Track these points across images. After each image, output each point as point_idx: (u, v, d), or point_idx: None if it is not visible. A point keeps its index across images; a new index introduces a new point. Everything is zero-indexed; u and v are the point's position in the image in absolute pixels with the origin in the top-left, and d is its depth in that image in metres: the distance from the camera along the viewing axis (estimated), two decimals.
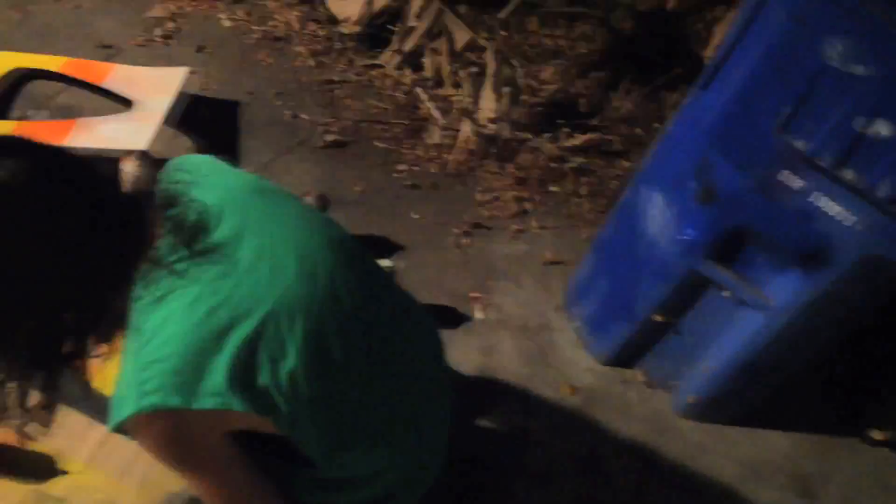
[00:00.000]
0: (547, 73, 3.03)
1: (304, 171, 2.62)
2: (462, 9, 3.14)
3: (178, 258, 1.25)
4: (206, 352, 1.22)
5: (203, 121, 2.61)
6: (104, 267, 1.23)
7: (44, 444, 1.90)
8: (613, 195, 2.87)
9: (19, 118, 2.45)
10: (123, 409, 1.21)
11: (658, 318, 2.27)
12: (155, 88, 2.50)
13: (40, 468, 1.86)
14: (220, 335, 1.24)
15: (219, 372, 1.22)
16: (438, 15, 3.05)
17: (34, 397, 1.33)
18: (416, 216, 2.64)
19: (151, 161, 1.36)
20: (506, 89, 2.85)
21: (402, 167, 2.75)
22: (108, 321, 1.27)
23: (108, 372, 1.73)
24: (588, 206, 2.86)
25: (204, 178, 1.37)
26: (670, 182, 2.12)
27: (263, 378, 1.27)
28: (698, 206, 2.02)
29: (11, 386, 1.28)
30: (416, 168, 2.77)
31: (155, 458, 1.29)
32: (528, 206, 2.80)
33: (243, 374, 1.25)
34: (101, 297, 1.26)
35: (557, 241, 2.75)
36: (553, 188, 2.88)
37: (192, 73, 2.65)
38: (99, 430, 1.93)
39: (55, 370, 1.31)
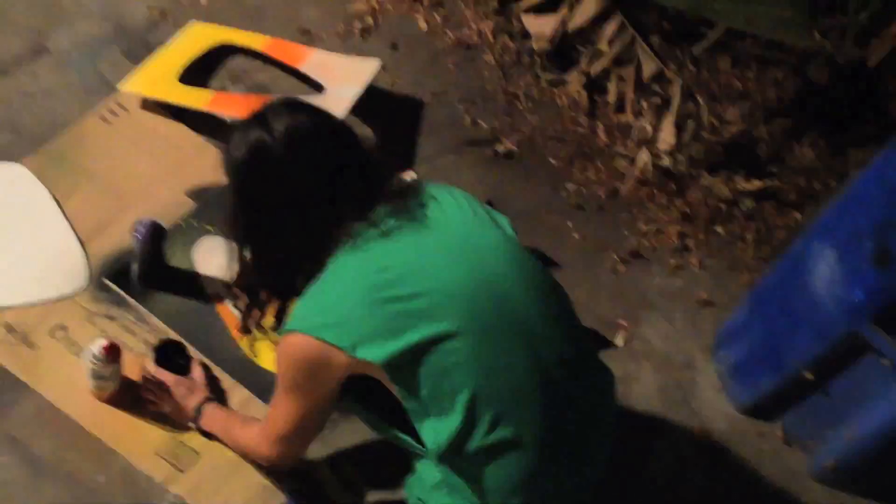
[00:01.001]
0: (731, 113, 2.99)
1: (475, 176, 2.69)
2: (654, 40, 3.14)
3: (388, 224, 1.48)
4: (368, 305, 1.43)
5: (386, 115, 2.72)
6: (341, 209, 1.51)
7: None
8: (780, 245, 2.81)
9: (219, 89, 2.62)
10: (289, 325, 1.50)
11: (808, 376, 2.22)
12: (346, 77, 2.63)
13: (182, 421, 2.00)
14: (388, 297, 1.43)
15: (373, 324, 1.43)
16: (630, 42, 3.06)
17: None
18: (577, 236, 2.67)
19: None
20: (688, 123, 2.82)
21: (570, 186, 2.78)
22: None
23: (261, 345, 1.88)
24: (751, 253, 2.81)
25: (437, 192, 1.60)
26: (845, 239, 2.07)
27: (409, 348, 1.43)
28: (872, 268, 1.97)
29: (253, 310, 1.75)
30: (584, 189, 2.79)
31: (281, 370, 1.56)
32: (690, 243, 2.78)
33: (394, 336, 1.42)
34: (329, 239, 1.52)
35: (715, 282, 2.72)
36: (718, 229, 2.84)
37: (382, 67, 2.77)
38: (240, 393, 2.06)
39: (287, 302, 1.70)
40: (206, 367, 2.07)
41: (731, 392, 2.47)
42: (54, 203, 2.28)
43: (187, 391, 1.95)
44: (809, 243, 2.22)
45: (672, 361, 2.48)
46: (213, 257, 2.27)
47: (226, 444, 1.94)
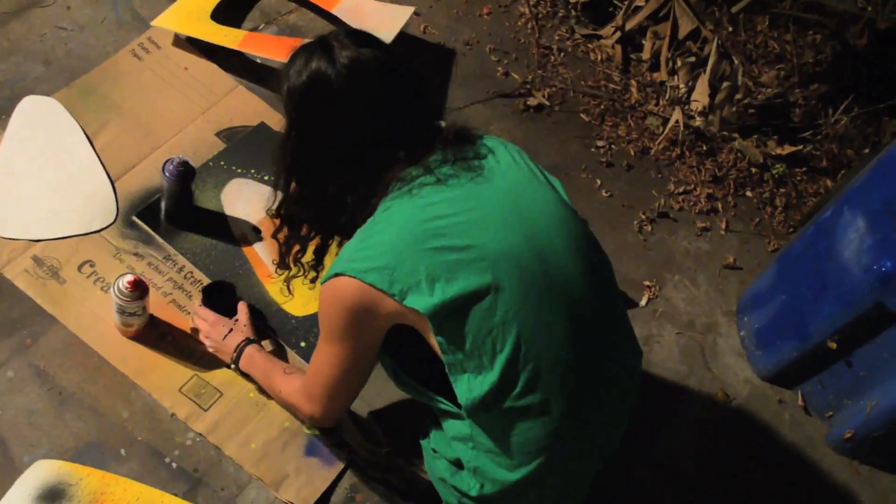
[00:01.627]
0: (767, 76, 2.95)
1: (504, 129, 2.67)
2: None
3: (443, 171, 1.46)
4: (418, 252, 1.41)
5: (417, 62, 2.69)
6: (393, 151, 1.50)
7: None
8: (809, 213, 2.79)
9: (251, 30, 2.60)
10: (334, 268, 1.46)
11: (831, 345, 2.21)
12: (379, 23, 2.60)
13: (207, 357, 2.02)
14: (440, 246, 1.41)
15: (424, 271, 1.40)
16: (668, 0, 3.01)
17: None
18: (606, 194, 2.65)
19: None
20: (724, 84, 2.78)
21: (601, 143, 2.76)
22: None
23: (296, 283, 1.88)
24: (780, 219, 2.78)
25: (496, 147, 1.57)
26: (877, 208, 2.04)
27: (457, 298, 1.41)
28: None
29: (294, 244, 1.73)
30: (614, 147, 2.77)
31: (324, 317, 1.54)
32: (718, 205, 2.75)
33: (444, 286, 1.40)
34: (378, 175, 1.52)
35: (742, 246, 2.70)
36: (748, 193, 2.82)
37: (415, 13, 2.74)
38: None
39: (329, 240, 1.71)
40: (253, 311, 2.07)
41: (752, 358, 2.47)
42: (85, 138, 2.27)
43: (228, 330, 1.96)
44: (840, 210, 2.19)
45: (695, 324, 2.47)
46: (240, 199, 2.27)
47: (266, 392, 1.96)
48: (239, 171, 2.33)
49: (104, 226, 2.15)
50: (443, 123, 1.59)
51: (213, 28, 2.50)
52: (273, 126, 2.43)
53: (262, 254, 2.21)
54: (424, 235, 1.42)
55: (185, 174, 2.08)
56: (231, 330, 1.96)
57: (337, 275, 1.46)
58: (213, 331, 1.96)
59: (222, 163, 2.33)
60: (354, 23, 2.63)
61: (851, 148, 2.96)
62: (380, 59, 1.49)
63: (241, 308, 2.03)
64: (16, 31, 2.43)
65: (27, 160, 2.19)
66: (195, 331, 2.01)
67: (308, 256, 1.75)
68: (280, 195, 1.66)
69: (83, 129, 2.29)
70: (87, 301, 2.04)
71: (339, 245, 1.73)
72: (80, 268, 2.09)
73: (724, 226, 2.71)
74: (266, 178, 2.33)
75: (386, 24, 2.58)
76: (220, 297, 2.05)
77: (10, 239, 2.07)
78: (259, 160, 2.35)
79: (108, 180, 2.23)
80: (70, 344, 1.98)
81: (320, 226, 1.69)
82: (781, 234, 2.75)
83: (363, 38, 1.52)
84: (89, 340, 2.00)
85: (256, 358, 1.91)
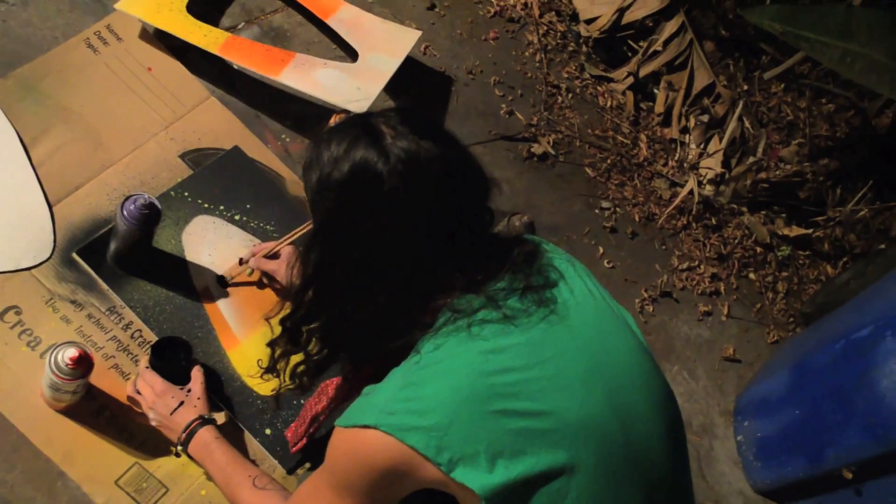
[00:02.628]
0: (786, 151, 2.72)
1: (505, 178, 2.36)
2: (709, 45, 2.83)
3: (511, 305, 1.16)
4: (479, 415, 1.09)
5: (414, 87, 2.36)
6: (448, 275, 1.19)
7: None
8: (810, 300, 2.60)
9: (229, 28, 2.21)
10: (365, 416, 1.13)
11: (847, 475, 2.01)
12: (381, 44, 2.25)
13: (150, 440, 1.67)
14: (507, 409, 1.10)
15: (483, 440, 1.09)
16: (687, 47, 2.74)
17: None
18: (608, 265, 2.38)
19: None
20: (744, 157, 2.55)
21: (606, 205, 2.48)
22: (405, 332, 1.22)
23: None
24: (781, 306, 2.59)
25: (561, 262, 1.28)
26: None
27: (522, 479, 1.10)
28: None
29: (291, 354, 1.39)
30: (619, 210, 2.50)
31: (339, 467, 1.20)
32: (721, 286, 2.53)
33: (507, 461, 1.10)
34: (424, 303, 1.21)
35: (741, 336, 2.49)
36: (751, 275, 2.61)
37: (416, 30, 2.40)
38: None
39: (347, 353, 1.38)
40: (211, 378, 1.72)
41: (749, 468, 2.26)
42: (20, 146, 1.85)
43: (178, 403, 1.60)
44: (881, 334, 1.99)
45: (691, 425, 2.25)
46: (204, 242, 1.90)
47: (216, 483, 1.59)
48: (206, 205, 1.95)
49: (37, 262, 1.75)
50: (526, 218, 1.27)
51: (189, 23, 2.09)
52: (249, 152, 2.05)
53: (227, 313, 1.85)
54: (488, 394, 1.10)
55: (148, 217, 1.68)
56: (182, 403, 1.61)
57: (367, 426, 1.12)
58: (160, 402, 1.60)
59: (186, 194, 1.94)
60: (351, 38, 2.25)
61: (859, 236, 2.76)
62: (445, 157, 1.16)
63: (196, 375, 1.67)
64: None
65: None
66: (132, 399, 1.65)
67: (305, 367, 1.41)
68: (291, 305, 1.31)
69: (18, 135, 1.86)
70: (9, 359, 1.65)
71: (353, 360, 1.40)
72: (2, 315, 1.69)
73: (725, 311, 2.49)
74: (237, 217, 1.96)
75: (390, 48, 2.22)
76: (171, 359, 1.68)
77: None
78: (231, 194, 1.98)
79: (45, 203, 1.82)
80: None
81: (337, 350, 1.34)
82: (782, 324, 2.55)
83: (420, 125, 1.18)
84: (7, 411, 1.61)
85: (214, 448, 1.56)
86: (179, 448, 1.61)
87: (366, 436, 1.13)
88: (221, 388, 1.76)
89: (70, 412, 1.64)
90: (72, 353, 1.50)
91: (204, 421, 1.60)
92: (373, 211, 1.15)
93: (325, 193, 1.19)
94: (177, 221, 1.90)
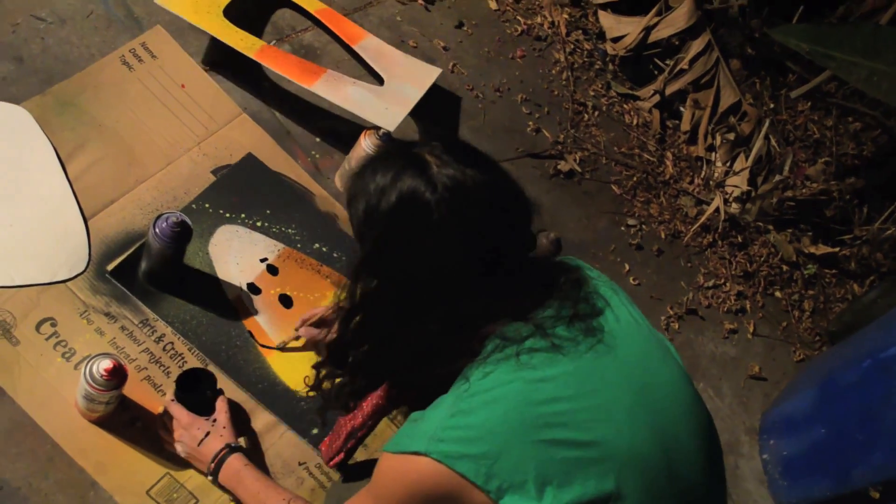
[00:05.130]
0: (813, 169, 2.72)
1: (532, 196, 2.34)
2: (735, 63, 2.83)
3: (559, 334, 1.16)
4: (528, 444, 1.11)
5: (441, 105, 2.38)
6: (495, 302, 1.19)
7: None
8: (836, 319, 2.59)
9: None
10: (414, 443, 1.13)
11: (874, 494, 2.01)
12: (405, 75, 2.27)
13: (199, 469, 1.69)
14: (557, 439, 1.11)
15: (532, 468, 1.11)
16: (713, 66, 2.75)
17: None
18: (634, 282, 2.39)
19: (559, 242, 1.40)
20: (770, 175, 2.55)
21: (632, 222, 2.49)
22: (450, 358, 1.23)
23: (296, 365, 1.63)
24: (807, 325, 2.58)
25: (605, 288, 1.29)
26: None
27: None
28: None
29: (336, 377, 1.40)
30: (645, 228, 2.51)
31: (386, 492, 1.21)
32: (747, 304, 2.53)
33: (555, 490, 1.11)
34: (471, 330, 1.21)
35: (767, 354, 2.48)
36: (777, 293, 2.60)
37: (443, 47, 2.42)
38: (264, 417, 1.79)
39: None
40: (236, 408, 1.74)
41: (774, 486, 2.26)
42: (57, 161, 1.89)
43: (204, 434, 1.62)
44: None
45: None
46: (231, 251, 1.93)
47: None
48: (227, 215, 1.98)
49: (72, 275, 1.78)
50: (553, 235, 1.28)
51: (227, 27, 2.11)
52: (279, 168, 2.08)
53: (262, 320, 1.87)
54: (538, 423, 1.11)
55: (180, 235, 1.71)
56: (208, 434, 1.63)
57: (417, 453, 1.14)
58: (186, 434, 1.63)
59: (207, 205, 1.97)
60: (376, 64, 2.28)
61: (881, 252, 2.75)
62: (490, 184, 1.17)
63: (221, 405, 1.69)
64: None
65: None
66: (163, 426, 1.67)
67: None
68: (337, 329, 1.32)
69: (55, 150, 1.90)
70: (44, 370, 1.67)
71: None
72: (38, 326, 1.71)
73: (751, 329, 2.49)
74: (259, 223, 1.99)
75: (413, 79, 2.24)
76: (196, 391, 1.70)
77: None
78: (250, 201, 2.01)
79: (80, 217, 1.85)
80: (18, 425, 1.62)
81: (382, 375, 1.36)
82: (808, 343, 2.54)
83: (464, 153, 1.20)
84: (42, 421, 1.63)
85: (244, 475, 1.58)
86: (210, 479, 1.63)
87: (415, 462, 1.14)
88: (249, 421, 1.78)
89: (103, 423, 1.66)
90: (107, 364, 1.53)
91: (231, 449, 1.62)
92: (420, 239, 1.16)
93: (373, 223, 1.20)
94: (201, 234, 1.92)
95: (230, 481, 1.60)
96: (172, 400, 1.67)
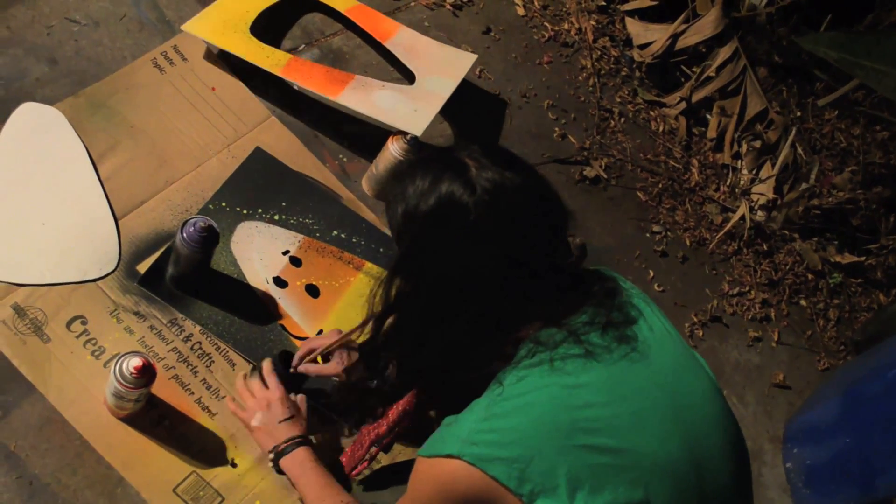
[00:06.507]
0: (839, 178, 2.71)
1: None
2: (762, 71, 2.83)
3: (592, 340, 1.17)
4: (561, 448, 1.13)
5: (468, 109, 2.39)
6: (529, 307, 1.21)
7: (219, 426, 1.74)
8: (862, 328, 2.58)
9: (290, 49, 2.26)
10: (448, 446, 1.15)
11: None
12: (437, 67, 2.28)
13: (208, 450, 1.71)
14: (589, 445, 1.13)
15: (564, 473, 1.12)
16: (740, 73, 2.75)
17: None
18: (659, 288, 2.39)
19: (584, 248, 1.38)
20: (797, 183, 2.54)
21: (657, 229, 2.49)
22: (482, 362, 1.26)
23: None
24: (832, 334, 2.57)
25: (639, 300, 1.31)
26: None
27: None
28: None
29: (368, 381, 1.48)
30: (670, 234, 2.51)
31: (421, 496, 1.24)
32: (772, 312, 2.52)
33: (586, 495, 1.13)
34: (505, 334, 1.21)
35: (792, 362, 2.47)
36: (802, 302, 2.59)
37: (471, 54, 2.44)
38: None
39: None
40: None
41: (798, 495, 2.25)
42: (89, 162, 1.91)
43: (288, 416, 1.62)
44: None
45: None
46: (253, 248, 1.95)
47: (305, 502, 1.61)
48: (245, 211, 2.00)
49: (102, 274, 1.81)
50: (578, 240, 1.30)
51: (253, 45, 2.14)
52: (307, 171, 2.10)
53: (292, 312, 1.90)
54: (570, 428, 1.12)
55: (207, 240, 1.73)
56: (293, 417, 1.63)
57: (450, 456, 1.14)
58: (274, 406, 1.63)
59: (223, 204, 1.99)
60: (408, 60, 2.30)
61: None
62: (528, 187, 1.19)
63: (302, 400, 1.70)
64: (18, 17, 2.04)
65: (17, 183, 1.83)
66: (240, 394, 1.69)
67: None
68: (370, 331, 1.34)
69: (88, 151, 1.92)
70: (74, 368, 1.70)
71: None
72: (69, 324, 1.74)
73: (776, 337, 2.48)
74: (276, 217, 2.01)
75: (445, 70, 2.26)
76: (285, 371, 1.72)
77: None
78: (265, 195, 2.03)
79: (111, 217, 1.87)
80: (49, 421, 1.64)
81: (414, 378, 1.37)
82: (832, 352, 2.53)
83: (502, 157, 1.21)
84: (72, 418, 1.66)
85: (310, 468, 1.58)
86: (270, 456, 1.62)
87: (448, 465, 1.16)
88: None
89: (131, 420, 1.69)
90: (136, 362, 1.55)
91: (306, 440, 1.63)
92: (457, 241, 1.18)
93: (411, 225, 1.22)
94: (222, 233, 1.92)
95: (294, 469, 1.59)
96: (272, 371, 1.67)
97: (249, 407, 1.66)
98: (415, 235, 1.21)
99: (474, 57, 2.35)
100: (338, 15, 2.39)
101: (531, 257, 1.18)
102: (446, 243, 1.19)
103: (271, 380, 1.66)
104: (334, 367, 1.71)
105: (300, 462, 1.59)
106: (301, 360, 1.75)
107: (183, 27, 2.11)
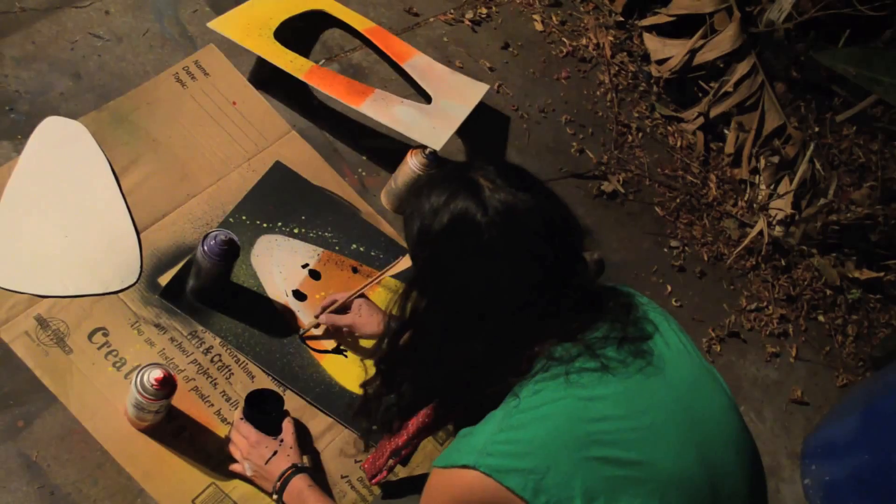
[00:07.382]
0: (858, 193, 2.70)
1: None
2: (780, 86, 2.83)
3: (608, 355, 1.18)
4: (577, 460, 1.13)
5: (486, 124, 2.41)
6: (544, 323, 1.22)
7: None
8: (881, 345, 2.56)
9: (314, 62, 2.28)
10: (464, 457, 1.16)
11: None
12: (452, 93, 2.30)
13: (227, 461, 1.72)
14: (605, 457, 1.13)
15: (579, 484, 1.12)
16: (758, 89, 2.75)
17: None
18: (676, 303, 2.39)
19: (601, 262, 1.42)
20: (815, 198, 2.54)
21: (674, 244, 2.49)
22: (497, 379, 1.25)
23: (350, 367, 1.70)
24: (850, 350, 2.56)
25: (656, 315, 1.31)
26: None
27: None
28: None
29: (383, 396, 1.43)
30: (688, 250, 2.51)
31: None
32: (790, 328, 2.51)
33: None
34: (520, 350, 1.23)
35: (810, 378, 2.46)
36: (820, 318, 2.58)
37: (489, 68, 2.45)
38: (321, 421, 1.84)
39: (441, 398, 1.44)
40: (301, 429, 1.78)
41: None
42: (112, 175, 1.94)
43: (271, 453, 1.65)
44: None
45: None
46: (272, 261, 1.97)
47: None
48: (265, 225, 2.01)
49: (124, 286, 1.83)
50: (595, 255, 1.30)
51: (277, 49, 2.16)
52: (327, 185, 2.11)
53: (309, 323, 1.91)
54: (586, 440, 1.13)
55: (228, 253, 1.75)
56: (275, 452, 1.65)
57: (466, 467, 1.15)
58: (254, 452, 1.66)
59: (244, 217, 2.01)
60: (424, 83, 2.31)
61: None
62: (542, 209, 1.19)
63: (287, 426, 1.72)
64: (43, 32, 2.07)
65: (41, 196, 1.85)
66: (231, 450, 1.71)
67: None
68: (386, 347, 1.35)
69: (110, 164, 1.95)
70: (95, 379, 1.71)
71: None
72: (90, 336, 1.76)
73: (794, 353, 2.47)
74: (296, 230, 2.02)
75: (461, 97, 2.27)
76: (263, 411, 1.73)
77: (11, 291, 1.74)
78: (284, 208, 2.05)
79: (133, 230, 1.89)
80: (70, 431, 1.66)
81: (430, 394, 1.38)
82: (851, 368, 2.52)
83: (517, 178, 1.22)
84: (93, 429, 1.67)
85: (307, 496, 1.61)
86: (275, 497, 1.65)
87: (464, 476, 1.16)
88: (311, 440, 1.82)
89: (151, 432, 1.70)
90: (157, 374, 1.56)
91: (297, 469, 1.65)
92: (470, 260, 1.19)
93: (425, 242, 1.23)
94: (242, 246, 1.94)
95: (294, 501, 1.62)
96: (241, 418, 1.70)
97: (239, 460, 1.69)
98: (428, 252, 1.22)
99: (486, 87, 2.36)
100: (357, 34, 2.41)
101: (545, 277, 1.19)
102: (458, 261, 1.20)
103: (242, 427, 1.69)
104: (351, 317, 1.82)
105: (297, 494, 1.62)
106: (324, 310, 1.84)
107: (209, 24, 2.12)
